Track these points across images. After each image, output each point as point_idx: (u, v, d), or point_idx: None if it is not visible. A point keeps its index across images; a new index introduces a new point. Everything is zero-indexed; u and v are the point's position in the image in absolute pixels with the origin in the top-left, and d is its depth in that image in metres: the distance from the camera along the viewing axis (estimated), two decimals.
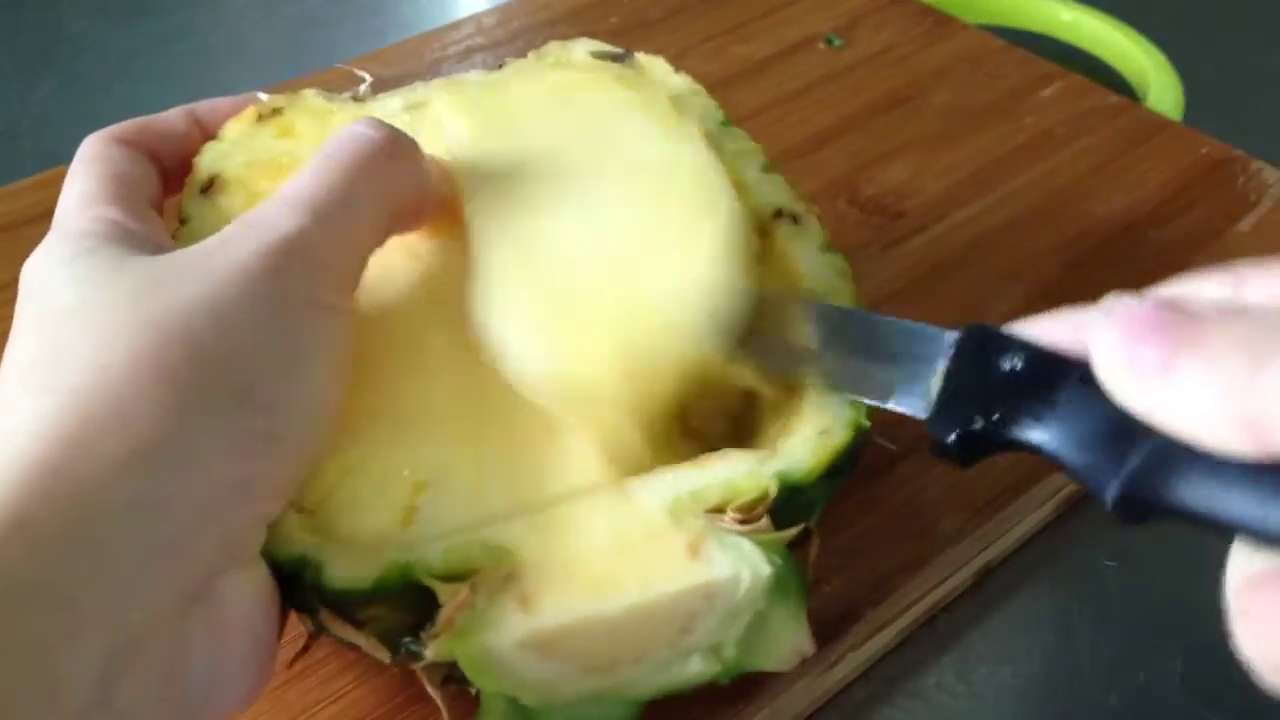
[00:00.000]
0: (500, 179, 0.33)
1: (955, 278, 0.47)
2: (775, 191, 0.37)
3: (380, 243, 0.31)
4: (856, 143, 0.54)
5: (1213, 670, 0.36)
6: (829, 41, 0.60)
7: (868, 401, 0.30)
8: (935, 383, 0.28)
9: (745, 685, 0.34)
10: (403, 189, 0.31)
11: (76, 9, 0.78)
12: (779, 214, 0.36)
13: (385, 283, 0.34)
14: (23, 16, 0.78)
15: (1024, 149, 0.53)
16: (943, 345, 0.28)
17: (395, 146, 0.31)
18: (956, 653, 0.38)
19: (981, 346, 0.27)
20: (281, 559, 0.28)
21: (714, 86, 0.41)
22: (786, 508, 0.29)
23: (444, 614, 0.27)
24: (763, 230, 0.36)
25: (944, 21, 0.61)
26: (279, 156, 0.36)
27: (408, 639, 0.29)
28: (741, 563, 0.28)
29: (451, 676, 0.29)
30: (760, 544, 0.28)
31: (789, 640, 0.29)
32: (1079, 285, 0.46)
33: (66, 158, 0.33)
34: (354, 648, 0.30)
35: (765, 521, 0.28)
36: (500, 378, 0.30)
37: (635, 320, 0.30)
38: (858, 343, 0.31)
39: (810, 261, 0.35)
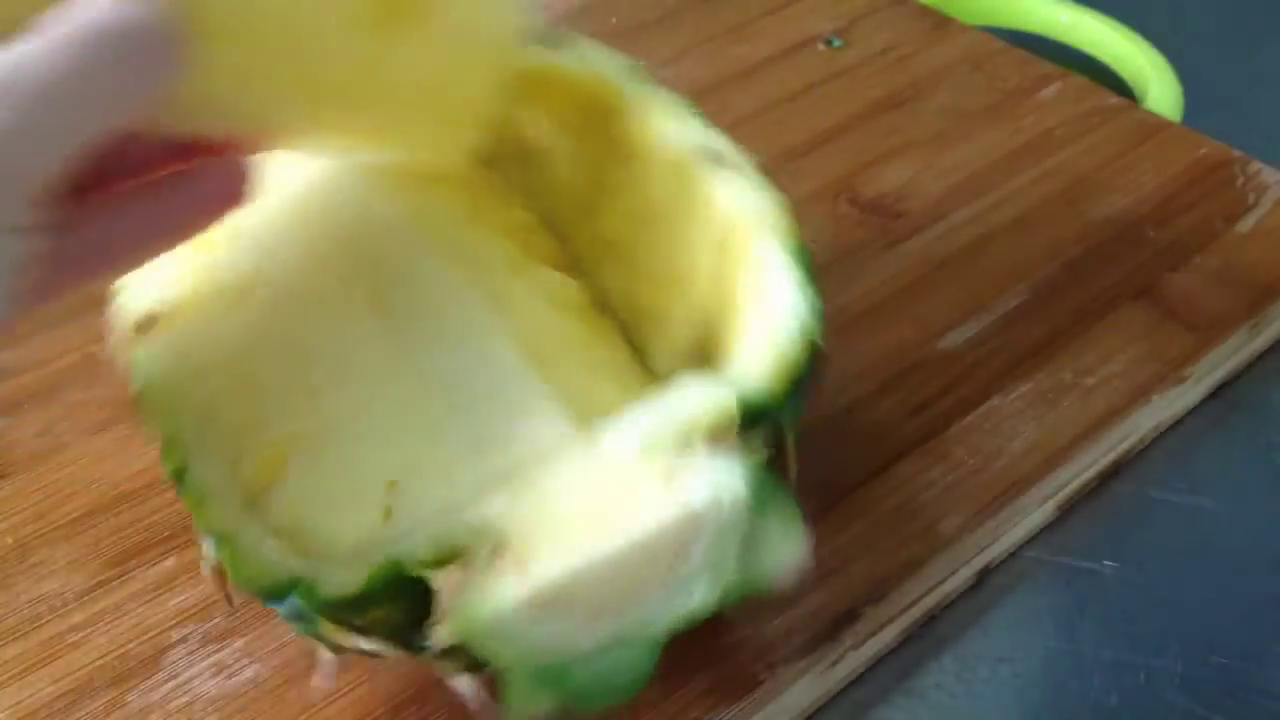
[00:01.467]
0: None
1: (955, 278, 0.47)
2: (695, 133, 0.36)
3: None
4: (856, 143, 0.54)
5: (1213, 670, 0.36)
6: (828, 42, 0.60)
7: None
8: None
9: (746, 684, 0.34)
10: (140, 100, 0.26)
11: None
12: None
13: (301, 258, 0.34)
14: None
15: (1024, 149, 0.53)
16: None
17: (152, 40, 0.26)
18: (956, 653, 0.38)
19: None
20: (270, 586, 0.28)
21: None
22: (754, 429, 0.30)
23: (442, 599, 0.27)
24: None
25: (944, 22, 0.61)
26: None
27: (418, 637, 0.29)
28: (718, 485, 0.28)
29: (473, 664, 0.29)
30: (733, 466, 0.29)
31: (785, 553, 0.29)
32: (1079, 285, 0.46)
33: None
34: (376, 657, 0.30)
35: (734, 444, 0.29)
36: (442, 354, 0.31)
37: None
38: None
39: (742, 200, 0.34)
